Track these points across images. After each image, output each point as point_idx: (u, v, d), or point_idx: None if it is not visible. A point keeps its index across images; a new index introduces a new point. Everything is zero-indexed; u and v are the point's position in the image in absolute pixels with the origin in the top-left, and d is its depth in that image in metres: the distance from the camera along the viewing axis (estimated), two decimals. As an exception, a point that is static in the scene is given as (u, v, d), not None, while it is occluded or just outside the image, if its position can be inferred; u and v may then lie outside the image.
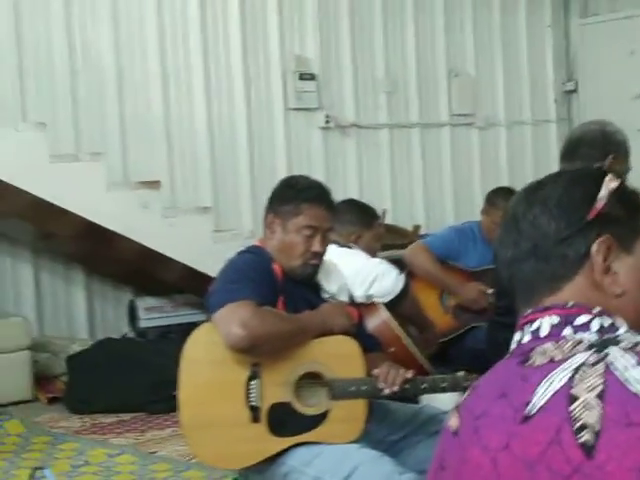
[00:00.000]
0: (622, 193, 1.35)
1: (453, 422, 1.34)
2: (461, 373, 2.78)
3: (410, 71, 7.01)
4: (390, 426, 2.89)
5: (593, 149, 3.12)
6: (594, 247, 1.30)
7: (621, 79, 7.60)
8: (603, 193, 1.32)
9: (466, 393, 1.37)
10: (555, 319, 1.29)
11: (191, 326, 2.89)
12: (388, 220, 6.23)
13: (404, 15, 6.94)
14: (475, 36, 7.41)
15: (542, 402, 1.20)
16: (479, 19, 7.44)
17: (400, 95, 6.96)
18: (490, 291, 4.31)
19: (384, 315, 3.47)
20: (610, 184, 1.34)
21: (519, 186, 4.69)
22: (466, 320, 4.49)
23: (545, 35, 7.95)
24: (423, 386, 2.76)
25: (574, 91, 8.08)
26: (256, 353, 2.64)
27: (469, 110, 7.38)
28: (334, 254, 3.18)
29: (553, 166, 7.99)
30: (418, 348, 3.56)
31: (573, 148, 3.18)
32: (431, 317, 3.94)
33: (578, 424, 1.15)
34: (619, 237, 1.32)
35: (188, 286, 5.42)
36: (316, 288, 2.98)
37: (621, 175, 3.19)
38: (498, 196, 4.70)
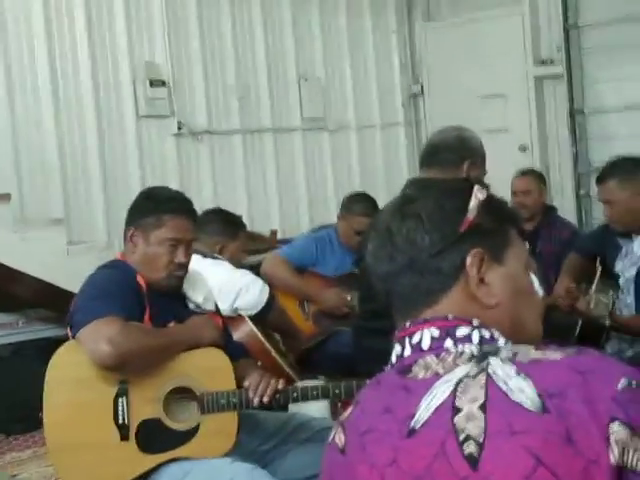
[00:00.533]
0: (490, 204, 1.38)
1: (338, 439, 1.33)
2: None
3: (261, 76, 7.00)
4: (260, 436, 2.89)
5: (451, 154, 3.20)
6: (468, 260, 1.32)
7: (464, 81, 7.82)
8: (473, 205, 1.35)
9: (349, 408, 1.37)
10: (435, 332, 1.30)
11: (45, 342, 2.81)
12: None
13: (253, 20, 6.93)
14: (323, 41, 7.47)
15: (426, 416, 1.21)
16: (326, 24, 7.50)
17: (252, 100, 6.96)
18: (349, 297, 4.37)
19: (249, 328, 3.47)
20: (479, 195, 1.37)
21: (370, 188, 4.79)
22: (327, 326, 4.53)
23: (390, 39, 8.10)
24: (294, 395, 2.77)
25: (420, 94, 8.26)
26: (125, 370, 2.59)
27: (320, 114, 7.44)
28: (199, 264, 3.15)
29: (402, 168, 8.19)
30: (287, 357, 3.57)
31: (432, 154, 3.26)
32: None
33: (462, 436, 1.16)
34: (490, 248, 1.35)
35: (42, 301, 5.25)
36: (182, 299, 2.95)
37: (481, 181, 3.29)
38: (354, 202, 4.76)
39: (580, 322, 3.87)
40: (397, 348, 1.34)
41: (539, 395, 1.14)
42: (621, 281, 3.81)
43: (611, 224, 3.87)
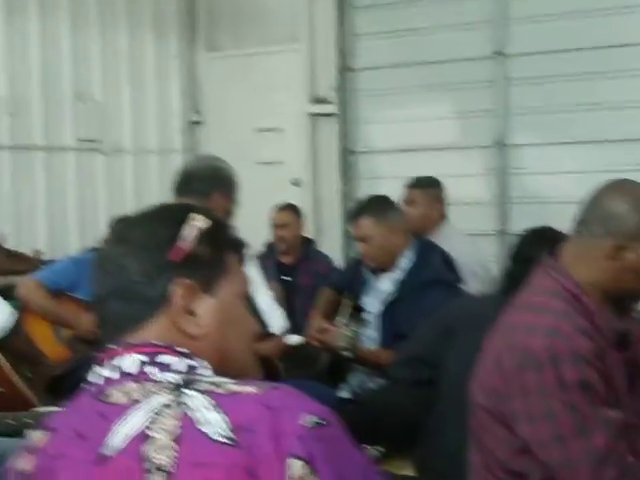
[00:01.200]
0: (211, 232, 1.38)
1: (25, 463, 1.29)
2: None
3: (34, 93, 6.82)
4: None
5: (202, 184, 3.25)
6: (174, 290, 1.32)
7: (243, 113, 7.93)
8: (187, 233, 1.35)
9: (38, 432, 1.32)
10: (140, 357, 1.29)
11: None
12: (9, 245, 6.02)
13: (28, 34, 6.74)
14: (102, 61, 7.37)
15: (118, 443, 1.19)
16: (106, 43, 7.40)
17: (23, 117, 6.75)
18: None
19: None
20: (196, 224, 1.36)
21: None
22: (82, 351, 4.44)
23: (171, 65, 8.09)
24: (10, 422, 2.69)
25: (199, 123, 8.30)
26: None
27: (95, 136, 7.32)
28: None
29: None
30: (33, 383, 3.48)
31: (184, 182, 3.30)
32: (46, 349, 3.86)
33: (151, 466, 1.15)
34: (202, 278, 1.34)
35: None
36: None
37: (229, 210, 3.35)
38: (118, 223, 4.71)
39: (328, 356, 3.99)
40: (98, 371, 1.33)
41: (231, 429, 1.16)
42: (367, 316, 3.97)
43: (365, 261, 4.02)
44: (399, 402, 3.12)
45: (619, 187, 2.27)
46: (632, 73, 6.51)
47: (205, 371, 1.31)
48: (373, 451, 3.61)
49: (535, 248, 2.49)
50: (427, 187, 4.84)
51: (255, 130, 7.92)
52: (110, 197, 7.45)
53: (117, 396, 1.26)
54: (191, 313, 1.33)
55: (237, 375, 1.39)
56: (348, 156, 7.64)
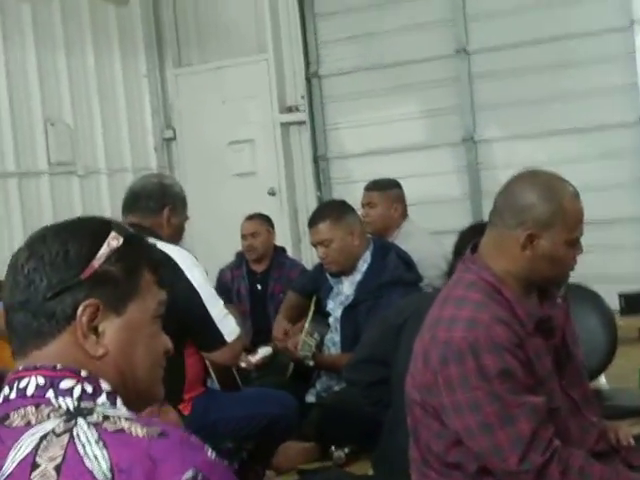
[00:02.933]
0: (124, 251, 1.36)
1: None
2: None
3: (4, 119, 6.87)
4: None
5: (151, 201, 3.29)
6: (80, 308, 1.31)
7: (215, 126, 7.99)
8: (102, 252, 1.33)
9: None
10: (41, 380, 1.28)
11: None
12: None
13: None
14: (71, 84, 7.41)
15: (11, 468, 1.19)
16: (74, 66, 7.44)
17: (-6, 144, 6.81)
18: None
19: None
20: (112, 243, 1.35)
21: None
22: None
23: (141, 84, 8.14)
24: None
25: (173, 139, 8.35)
26: None
27: (68, 158, 7.37)
28: None
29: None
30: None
31: (132, 201, 3.33)
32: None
33: None
34: (112, 298, 1.33)
35: None
36: None
37: (180, 226, 3.40)
38: None
39: (292, 363, 4.04)
40: (5, 391, 1.31)
41: (110, 468, 1.15)
42: (331, 320, 4.01)
43: (325, 265, 4.06)
44: (357, 404, 3.16)
45: (529, 177, 2.31)
46: (593, 61, 6.58)
47: (102, 398, 1.30)
48: (340, 453, 3.67)
49: (469, 243, 2.53)
50: (385, 189, 4.89)
51: (228, 143, 7.97)
52: (87, 218, 7.47)
53: (16, 419, 1.25)
54: (95, 332, 1.33)
55: (141, 395, 1.40)
56: (321, 162, 7.69)
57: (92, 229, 1.39)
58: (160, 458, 1.15)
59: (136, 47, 8.10)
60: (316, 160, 7.69)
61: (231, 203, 7.66)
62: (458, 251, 2.86)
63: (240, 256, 5.32)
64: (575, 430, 2.22)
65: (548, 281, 2.25)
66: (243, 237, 5.23)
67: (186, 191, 8.25)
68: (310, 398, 3.94)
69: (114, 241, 1.36)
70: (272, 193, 7.87)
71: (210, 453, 1.22)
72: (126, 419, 1.22)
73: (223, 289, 5.29)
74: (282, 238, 6.70)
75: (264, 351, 4.54)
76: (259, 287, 5.19)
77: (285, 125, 7.83)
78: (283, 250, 5.37)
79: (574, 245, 2.22)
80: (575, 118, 6.70)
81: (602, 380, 4.05)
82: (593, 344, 3.92)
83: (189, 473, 1.14)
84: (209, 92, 8.06)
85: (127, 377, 1.36)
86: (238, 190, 7.86)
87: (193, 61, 8.28)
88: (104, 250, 1.35)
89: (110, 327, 1.35)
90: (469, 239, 2.69)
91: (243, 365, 4.65)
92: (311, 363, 3.90)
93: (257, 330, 5.00)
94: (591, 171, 6.67)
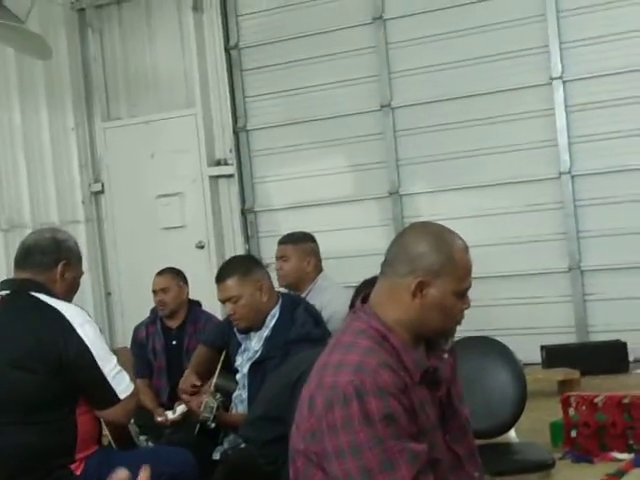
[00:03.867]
0: None
1: None
2: None
3: None
4: None
5: (45, 256, 3.23)
6: None
7: (144, 180, 7.97)
8: None
9: None
10: None
11: None
12: None
13: None
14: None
15: None
16: (-1, 120, 7.43)
17: None
18: None
19: None
20: None
21: None
22: None
23: (69, 137, 8.11)
24: None
25: (101, 192, 8.30)
26: None
27: (-8, 213, 7.29)
28: None
29: (84, 261, 8.10)
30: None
31: (24, 256, 3.27)
32: None
33: None
34: None
35: None
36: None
37: (74, 281, 3.35)
38: None
39: (198, 423, 3.98)
40: None
41: None
42: (238, 377, 3.96)
43: (234, 321, 4.01)
44: (254, 462, 3.12)
45: (421, 228, 2.34)
46: (512, 118, 6.71)
47: None
48: (241, 512, 3.60)
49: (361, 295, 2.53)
50: (298, 242, 4.89)
51: (157, 196, 7.95)
52: (11, 274, 7.36)
53: None
54: None
55: None
56: (248, 215, 7.70)
57: None
58: None
59: (64, 100, 8.08)
60: (244, 213, 7.71)
61: (160, 256, 7.59)
62: (353, 305, 2.86)
63: (154, 312, 5.26)
64: (455, 484, 2.21)
65: (436, 332, 2.26)
66: (154, 292, 5.16)
67: (115, 243, 8.33)
68: (216, 456, 3.88)
69: None
70: (201, 246, 7.85)
71: None
72: None
73: (138, 346, 5.23)
74: (210, 291, 6.65)
75: (181, 408, 4.47)
76: (174, 343, 5.11)
77: (214, 178, 7.84)
78: (198, 304, 5.31)
79: (462, 297, 2.24)
80: (498, 172, 6.82)
81: (512, 434, 4.05)
82: (503, 397, 3.93)
83: None
84: (138, 146, 8.05)
85: None
86: (167, 243, 7.83)
87: (122, 115, 8.28)
88: None
89: None
90: (361, 292, 2.69)
91: (160, 420, 4.58)
92: (212, 425, 3.85)
93: (173, 386, 4.91)
94: (514, 224, 6.79)
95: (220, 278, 3.98)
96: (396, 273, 2.23)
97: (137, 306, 6.09)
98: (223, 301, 3.99)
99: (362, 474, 2.05)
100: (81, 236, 8.10)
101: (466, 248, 2.26)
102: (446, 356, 2.35)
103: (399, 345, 2.18)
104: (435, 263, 2.19)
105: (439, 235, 2.26)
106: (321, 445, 2.12)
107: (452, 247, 2.23)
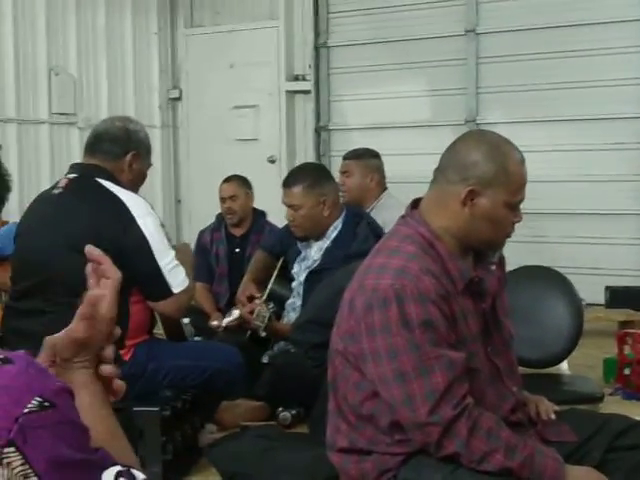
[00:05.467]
0: None
1: None
2: None
3: (8, 67, 6.86)
4: None
5: (115, 145, 3.24)
6: None
7: (221, 90, 7.96)
8: None
9: None
10: None
11: None
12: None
13: (1, 10, 6.78)
14: (78, 37, 7.40)
15: None
16: (82, 18, 7.43)
17: (-4, 90, 6.81)
18: None
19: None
20: None
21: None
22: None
23: (151, 42, 8.12)
24: None
25: (178, 99, 8.32)
26: None
27: (70, 110, 7.36)
28: None
29: (157, 169, 8.19)
30: None
31: (95, 143, 3.28)
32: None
33: None
34: None
35: None
36: None
37: (142, 173, 3.37)
38: None
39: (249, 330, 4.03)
40: None
41: None
42: (294, 284, 3.98)
43: (292, 228, 4.03)
44: (301, 364, 3.14)
45: (476, 136, 2.30)
46: (599, 53, 6.50)
47: None
48: (285, 414, 3.65)
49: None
50: (362, 158, 4.86)
51: (233, 107, 7.94)
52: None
53: None
54: None
55: None
56: (322, 133, 7.65)
57: None
58: (3, 386, 1.07)
59: (148, 4, 8.07)
60: (318, 130, 7.66)
61: (231, 167, 7.58)
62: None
63: (220, 218, 5.29)
64: (492, 395, 2.19)
65: (484, 243, 2.23)
66: (222, 200, 5.19)
67: (188, 151, 8.37)
68: (265, 359, 3.93)
69: None
70: (272, 160, 7.84)
71: (53, 377, 1.15)
72: None
73: (202, 251, 5.28)
74: (278, 206, 6.67)
75: (235, 313, 4.52)
76: (237, 250, 5.15)
77: (290, 93, 7.79)
78: (263, 214, 5.32)
79: (514, 209, 2.20)
80: (580, 107, 6.63)
81: (564, 366, 4.02)
82: (559, 329, 3.89)
83: (34, 402, 1.07)
84: (218, 55, 8.02)
85: None
86: (239, 155, 7.83)
87: (205, 22, 8.25)
88: None
89: None
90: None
91: (214, 324, 4.64)
92: (263, 334, 3.89)
93: (233, 292, 4.97)
94: (593, 161, 6.63)
95: (287, 183, 3.99)
96: (447, 180, 2.19)
97: (206, 214, 6.11)
98: (286, 206, 4.00)
99: (396, 377, 2.05)
100: (156, 141, 8.13)
101: (522, 160, 2.21)
102: (493, 268, 2.33)
103: (444, 253, 2.15)
104: (488, 172, 2.15)
105: (495, 144, 2.21)
106: (359, 346, 2.12)
107: (507, 157, 2.17)
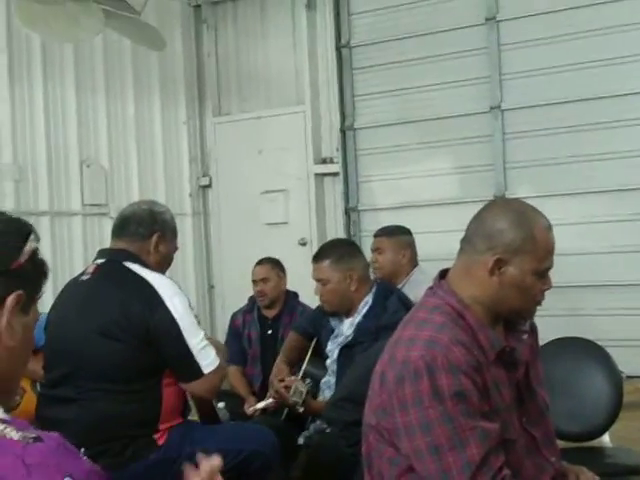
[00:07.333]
0: (37, 257, 1.41)
1: None
2: None
3: (40, 159, 7.00)
4: None
5: (141, 227, 3.29)
6: (11, 297, 1.32)
7: (251, 175, 8.04)
8: (27, 249, 1.37)
9: None
10: None
11: None
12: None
13: (33, 101, 6.94)
14: (109, 126, 7.55)
15: None
16: (113, 109, 7.59)
17: (28, 183, 6.92)
18: None
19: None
20: (32, 244, 1.39)
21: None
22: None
23: (180, 130, 8.26)
24: None
25: (209, 186, 8.42)
26: None
27: (102, 200, 7.47)
28: None
29: (188, 256, 8.24)
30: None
31: (122, 225, 3.34)
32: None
33: None
34: (27, 294, 1.35)
35: None
36: None
37: (168, 254, 3.39)
38: None
39: (287, 407, 3.99)
40: None
41: None
42: (328, 362, 3.95)
43: (322, 303, 4.03)
44: (336, 445, 3.10)
45: (502, 204, 2.31)
46: (625, 124, 6.52)
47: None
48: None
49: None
50: (393, 235, 4.89)
51: (262, 192, 8.02)
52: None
53: None
54: (10, 324, 1.33)
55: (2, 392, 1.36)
56: (352, 214, 7.69)
57: (20, 226, 1.44)
58: (35, 463, 1.10)
59: (177, 94, 8.23)
60: (347, 212, 7.70)
61: (262, 251, 7.62)
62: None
63: (252, 301, 5.30)
64: (530, 467, 2.15)
65: (514, 312, 2.20)
66: (254, 282, 5.21)
67: (219, 237, 8.42)
68: (301, 440, 3.88)
69: (33, 243, 1.40)
70: (303, 243, 7.87)
71: (85, 459, 1.18)
72: (2, 422, 1.19)
73: (234, 333, 5.27)
74: (310, 288, 6.66)
75: (270, 402, 4.44)
76: (270, 332, 5.14)
77: (319, 176, 7.86)
78: (295, 295, 5.33)
79: (542, 276, 2.18)
80: (607, 179, 6.63)
81: (606, 439, 3.93)
82: (597, 402, 3.83)
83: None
84: (246, 141, 8.14)
85: (8, 374, 1.35)
86: (269, 239, 7.87)
87: (232, 110, 8.38)
88: (28, 247, 1.38)
89: (19, 324, 1.35)
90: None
91: (249, 411, 4.55)
92: (301, 410, 3.85)
93: (266, 374, 4.94)
94: (624, 232, 6.59)
95: (316, 258, 4.01)
96: (474, 249, 2.18)
97: (238, 299, 6.12)
98: (316, 281, 4.01)
99: (431, 451, 2.01)
100: (187, 229, 8.24)
101: (549, 227, 2.19)
102: (525, 337, 2.30)
103: (474, 323, 2.13)
104: (514, 240, 2.13)
105: (520, 212, 2.21)
106: (392, 421, 2.09)
107: (533, 224, 2.16)
